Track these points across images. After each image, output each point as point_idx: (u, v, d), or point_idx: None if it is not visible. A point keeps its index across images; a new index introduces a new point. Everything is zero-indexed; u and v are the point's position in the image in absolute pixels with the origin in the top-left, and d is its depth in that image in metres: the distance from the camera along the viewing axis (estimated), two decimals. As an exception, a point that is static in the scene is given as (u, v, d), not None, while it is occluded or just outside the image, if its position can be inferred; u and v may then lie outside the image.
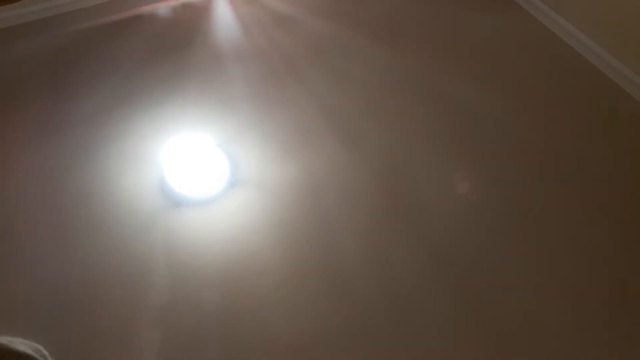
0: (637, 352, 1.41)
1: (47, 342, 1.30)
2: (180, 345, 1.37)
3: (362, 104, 2.06)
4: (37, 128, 1.88)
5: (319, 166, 1.82)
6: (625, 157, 1.92)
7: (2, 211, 1.63)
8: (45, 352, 1.26)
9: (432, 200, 1.74)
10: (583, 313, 1.49)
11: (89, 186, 1.71)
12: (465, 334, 1.43)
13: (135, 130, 1.89)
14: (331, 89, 2.11)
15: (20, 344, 1.23)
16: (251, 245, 1.60)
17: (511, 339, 1.42)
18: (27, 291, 1.45)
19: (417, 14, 2.53)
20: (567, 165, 1.87)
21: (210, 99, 2.03)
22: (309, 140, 1.90)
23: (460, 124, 2.00)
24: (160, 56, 2.19)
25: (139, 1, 2.47)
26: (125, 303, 1.44)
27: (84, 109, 1.95)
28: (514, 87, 2.18)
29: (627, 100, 2.16)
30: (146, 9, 2.45)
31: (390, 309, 1.47)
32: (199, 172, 1.80)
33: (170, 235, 1.60)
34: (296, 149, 1.87)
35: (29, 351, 1.22)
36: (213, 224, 1.64)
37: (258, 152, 1.85)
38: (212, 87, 2.08)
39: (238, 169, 1.80)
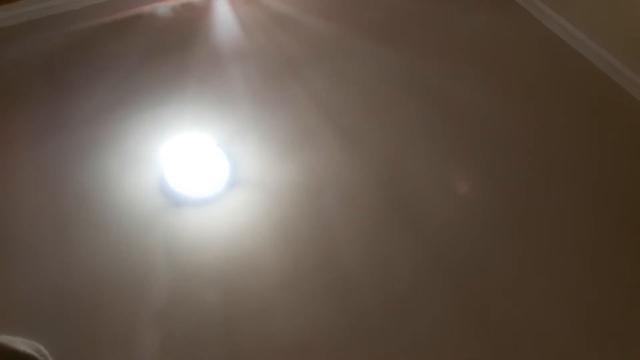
0: (637, 352, 1.41)
1: (47, 342, 1.30)
2: (180, 345, 1.37)
3: (362, 104, 2.06)
4: (37, 128, 1.88)
5: (319, 166, 1.82)
6: (625, 157, 1.92)
7: (2, 211, 1.63)
8: (45, 352, 1.26)
9: (432, 200, 1.75)
10: (583, 313, 1.49)
11: (89, 186, 1.71)
12: (465, 334, 1.43)
13: (135, 130, 1.89)
14: (331, 89, 2.11)
15: (21, 344, 1.23)
16: (251, 245, 1.60)
17: (511, 340, 1.42)
18: (27, 291, 1.45)
19: (417, 14, 2.53)
20: (567, 165, 1.87)
21: (210, 99, 2.03)
22: (309, 140, 1.90)
23: (460, 124, 2.00)
24: (160, 56, 2.19)
25: (139, 1, 2.46)
26: (126, 302, 1.44)
27: (84, 109, 1.95)
28: (514, 87, 2.18)
29: (627, 100, 2.16)
30: (146, 9, 2.45)
31: (390, 309, 1.47)
32: (199, 172, 1.80)
33: (170, 235, 1.60)
34: (296, 149, 1.87)
35: (30, 351, 1.22)
36: (213, 224, 1.65)
37: (258, 152, 1.85)
38: (212, 87, 2.08)
39: (238, 169, 1.80)
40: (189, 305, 1.45)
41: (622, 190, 1.81)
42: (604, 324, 1.47)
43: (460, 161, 1.88)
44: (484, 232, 1.66)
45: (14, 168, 1.75)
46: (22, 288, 1.46)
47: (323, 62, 2.24)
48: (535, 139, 1.96)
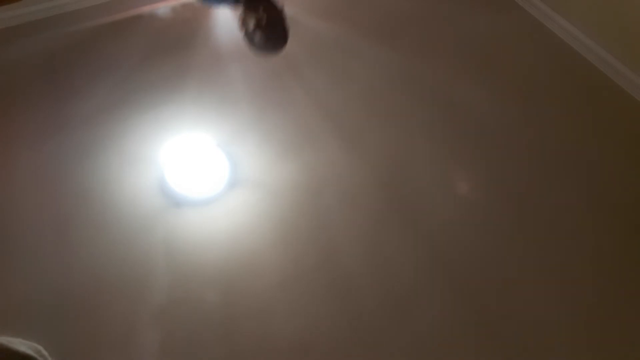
0: (637, 352, 1.41)
1: (47, 342, 1.30)
2: (180, 345, 1.37)
3: (362, 104, 2.06)
4: (37, 128, 1.88)
5: (319, 166, 1.82)
6: (625, 157, 1.92)
7: (2, 211, 1.63)
8: (45, 353, 1.26)
9: (432, 200, 1.74)
10: (583, 313, 1.49)
11: (89, 186, 1.71)
12: (465, 334, 1.43)
13: (135, 130, 1.89)
14: (331, 89, 2.11)
15: (20, 344, 1.23)
16: (251, 245, 1.60)
17: (511, 340, 1.42)
18: (27, 291, 1.45)
19: (417, 14, 2.53)
20: (567, 165, 1.87)
21: (210, 99, 2.03)
22: (309, 141, 1.90)
23: (460, 124, 2.00)
24: (160, 56, 2.19)
25: (139, 1, 2.46)
26: (126, 303, 1.44)
27: (84, 109, 1.95)
28: (514, 87, 2.18)
29: (627, 100, 2.16)
30: (146, 9, 2.45)
31: (390, 309, 1.47)
32: (199, 172, 1.80)
33: (170, 235, 1.60)
34: (296, 149, 1.87)
35: (29, 351, 1.22)
36: (213, 224, 1.64)
37: (258, 152, 1.85)
38: (212, 87, 2.08)
39: (238, 169, 1.80)
40: (189, 305, 1.45)
41: (622, 190, 1.81)
42: (604, 324, 1.46)
43: (460, 161, 1.88)
44: (484, 232, 1.66)
45: (14, 168, 1.75)
46: (22, 288, 1.46)
47: (323, 62, 2.24)
48: (535, 139, 1.96)
